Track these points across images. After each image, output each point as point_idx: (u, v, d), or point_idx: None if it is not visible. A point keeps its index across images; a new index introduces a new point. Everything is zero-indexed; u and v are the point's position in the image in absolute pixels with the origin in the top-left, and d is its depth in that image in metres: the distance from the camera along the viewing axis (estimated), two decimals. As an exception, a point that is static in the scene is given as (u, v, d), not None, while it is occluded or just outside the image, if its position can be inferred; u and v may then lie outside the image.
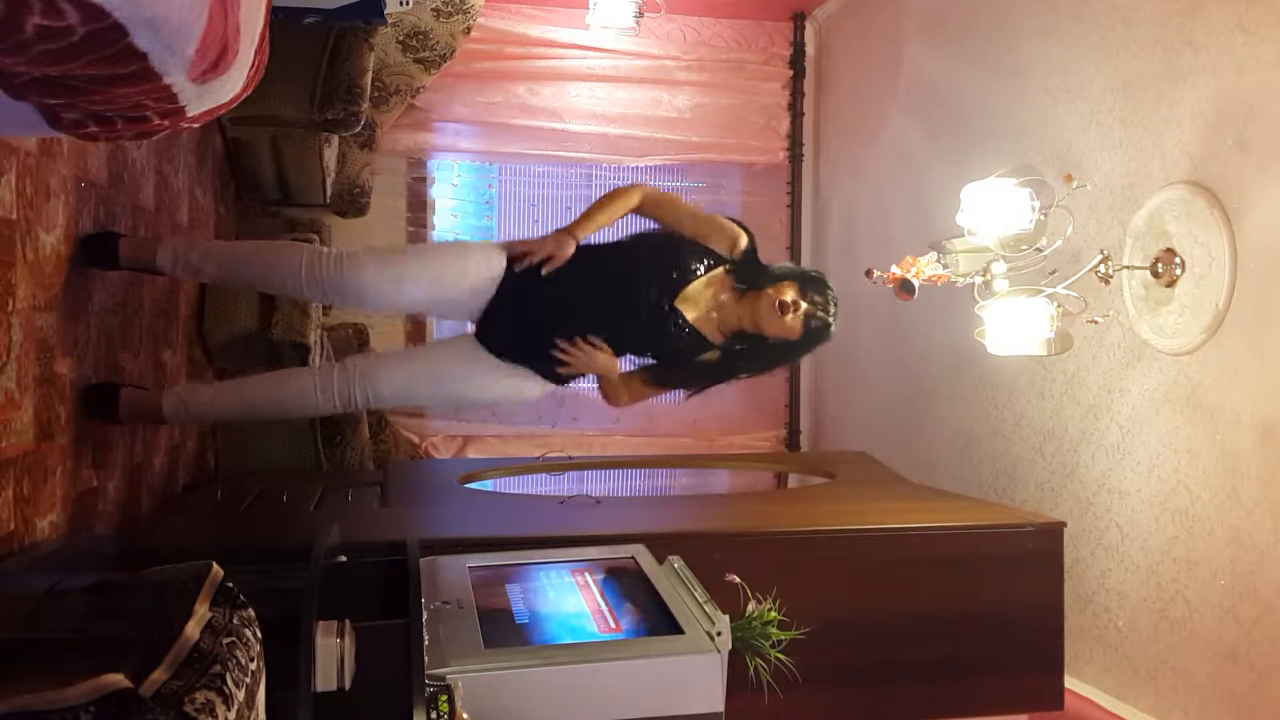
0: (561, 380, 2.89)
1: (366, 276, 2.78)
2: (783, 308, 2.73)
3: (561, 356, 2.79)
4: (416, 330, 5.41)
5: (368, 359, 3.00)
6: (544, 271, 2.75)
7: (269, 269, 2.86)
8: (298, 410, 2.99)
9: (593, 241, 2.88)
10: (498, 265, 2.80)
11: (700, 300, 2.83)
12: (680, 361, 2.88)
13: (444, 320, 5.05)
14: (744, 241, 2.85)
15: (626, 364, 2.93)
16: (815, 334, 2.80)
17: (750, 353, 2.88)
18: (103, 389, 2.64)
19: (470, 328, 2.92)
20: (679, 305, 2.80)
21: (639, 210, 2.88)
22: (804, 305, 2.75)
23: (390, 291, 2.85)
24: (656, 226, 2.91)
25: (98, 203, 2.59)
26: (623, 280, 2.81)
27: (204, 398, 2.95)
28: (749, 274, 2.84)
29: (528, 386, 2.89)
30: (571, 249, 2.78)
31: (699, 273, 2.82)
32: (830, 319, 2.80)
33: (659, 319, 2.80)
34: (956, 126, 4.21)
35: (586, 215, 2.84)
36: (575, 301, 2.80)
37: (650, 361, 2.96)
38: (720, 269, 2.84)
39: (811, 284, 2.80)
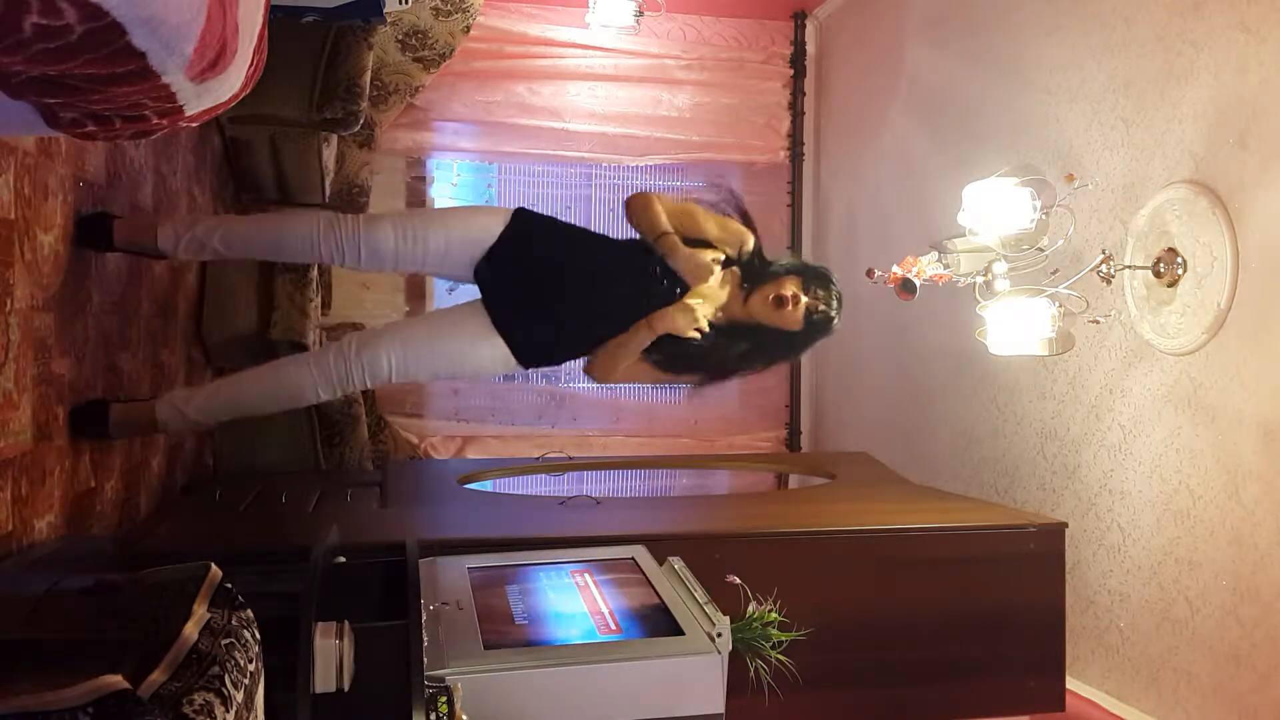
0: (529, 364, 2.90)
1: (385, 232, 2.83)
2: (779, 301, 2.78)
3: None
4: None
5: (364, 334, 2.97)
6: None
7: (283, 231, 2.88)
8: (296, 402, 2.94)
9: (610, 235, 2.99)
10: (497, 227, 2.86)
11: (710, 297, 2.86)
12: (682, 347, 2.85)
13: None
14: (751, 242, 2.90)
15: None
16: (816, 327, 2.84)
17: (749, 344, 2.90)
18: (90, 407, 2.54)
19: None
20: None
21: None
22: (804, 299, 2.79)
23: (410, 249, 2.87)
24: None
25: (95, 202, 2.58)
26: (639, 268, 2.84)
27: (198, 400, 2.87)
28: (754, 272, 2.88)
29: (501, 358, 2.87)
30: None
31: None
32: (833, 313, 2.84)
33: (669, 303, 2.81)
34: (957, 125, 4.21)
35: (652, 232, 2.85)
36: (588, 283, 2.84)
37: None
38: (729, 268, 2.88)
39: (815, 278, 2.84)
